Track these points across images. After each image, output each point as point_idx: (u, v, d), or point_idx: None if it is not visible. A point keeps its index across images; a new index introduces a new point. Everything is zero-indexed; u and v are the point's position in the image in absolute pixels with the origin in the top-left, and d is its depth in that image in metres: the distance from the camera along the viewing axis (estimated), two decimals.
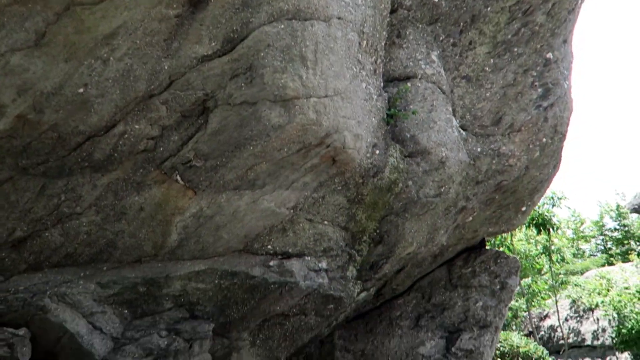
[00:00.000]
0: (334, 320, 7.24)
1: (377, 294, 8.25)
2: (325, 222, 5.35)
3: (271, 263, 5.19)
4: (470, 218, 7.15)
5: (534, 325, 13.46)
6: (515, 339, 10.32)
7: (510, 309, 14.44)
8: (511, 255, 8.25)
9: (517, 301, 14.39)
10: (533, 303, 14.72)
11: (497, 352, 10.45)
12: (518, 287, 13.23)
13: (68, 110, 3.52)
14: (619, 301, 10.17)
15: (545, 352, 10.49)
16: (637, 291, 10.32)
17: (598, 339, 11.81)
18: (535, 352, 10.20)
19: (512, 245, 13.00)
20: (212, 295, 5.04)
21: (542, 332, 13.49)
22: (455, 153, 5.49)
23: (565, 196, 12.16)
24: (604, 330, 11.69)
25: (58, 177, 3.87)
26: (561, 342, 12.60)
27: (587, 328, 12.34)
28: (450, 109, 5.48)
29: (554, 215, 12.04)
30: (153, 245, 4.54)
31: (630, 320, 9.97)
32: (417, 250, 6.62)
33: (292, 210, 4.96)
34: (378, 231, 5.83)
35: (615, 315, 10.29)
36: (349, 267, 6.04)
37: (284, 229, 5.09)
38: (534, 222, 12.37)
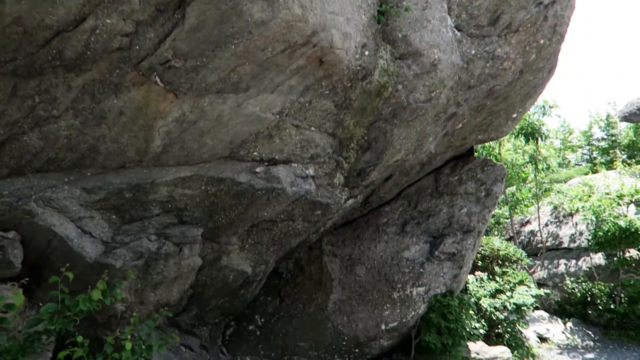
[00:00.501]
0: (321, 226, 7.43)
1: (365, 202, 8.40)
2: (312, 128, 5.24)
3: (258, 169, 5.16)
4: (460, 125, 7.08)
5: (515, 231, 14.04)
6: (496, 242, 10.80)
7: (494, 215, 14.99)
8: (498, 162, 8.30)
9: (500, 208, 14.91)
10: (516, 210, 15.25)
11: (479, 255, 10.98)
12: (502, 195, 13.63)
13: (31, 1, 3.24)
14: (599, 206, 10.51)
15: (524, 254, 11.03)
16: (617, 196, 10.63)
17: (575, 242, 12.39)
18: (514, 255, 10.75)
19: (500, 155, 13.13)
20: (200, 201, 5.06)
21: (523, 237, 14.10)
22: (449, 55, 5.26)
23: (556, 104, 12.07)
24: (581, 234, 12.23)
25: (29, 76, 3.66)
26: (539, 245, 13.21)
27: (565, 232, 12.89)
28: (446, 6, 5.15)
29: (543, 125, 12.01)
30: (136, 150, 4.45)
31: (607, 223, 10.38)
32: (405, 157, 6.61)
33: (277, 116, 4.83)
34: (366, 138, 5.76)
35: (594, 219, 10.69)
36: (336, 174, 6.05)
37: (270, 135, 5.00)
38: (523, 131, 12.39)
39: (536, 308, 12.71)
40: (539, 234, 13.45)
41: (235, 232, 5.74)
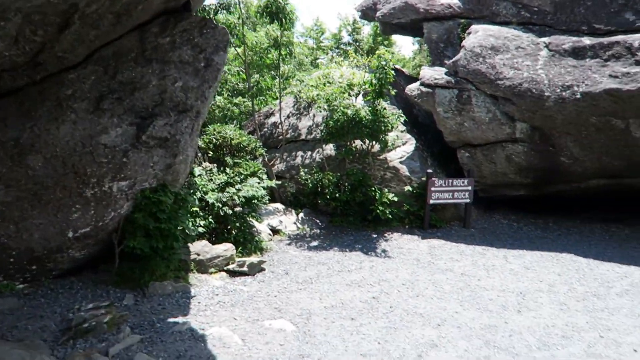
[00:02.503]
0: None
1: (35, 62, 5.82)
2: None
3: None
4: None
5: (257, 122, 13.27)
6: (229, 130, 9.64)
7: (236, 104, 13.95)
8: (219, 25, 6.68)
9: (244, 97, 13.87)
10: (260, 100, 14.53)
11: (211, 144, 9.72)
12: (247, 84, 12.54)
13: None
14: (332, 94, 10.23)
15: (259, 144, 10.28)
16: (347, 85, 10.53)
17: (311, 134, 12.31)
18: (249, 144, 9.86)
19: (244, 35, 11.73)
20: None
21: (266, 129, 13.49)
22: None
23: None
24: (317, 126, 12.13)
25: None
26: (280, 137, 12.74)
27: (304, 124, 12.73)
28: None
29: (288, 4, 10.89)
30: None
31: (337, 113, 10.23)
32: None
33: None
34: None
35: (326, 107, 10.46)
36: None
37: None
38: (268, 9, 11.10)
39: (273, 200, 12.51)
40: (280, 126, 12.97)
41: None
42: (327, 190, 11.23)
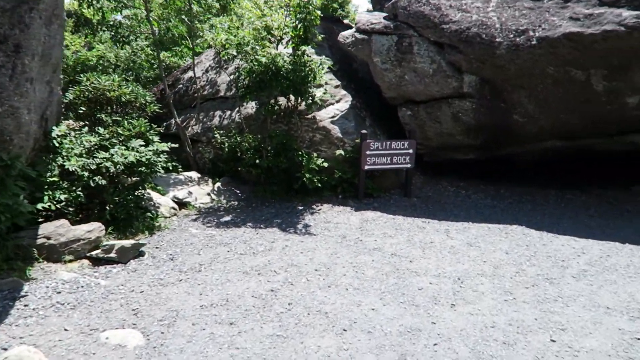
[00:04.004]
0: None
1: None
2: None
3: None
4: None
5: (174, 77, 11.26)
6: (106, 81, 7.64)
7: (137, 54, 11.80)
8: None
9: (153, 50, 11.71)
10: (176, 52, 12.46)
11: (82, 98, 7.72)
12: (156, 32, 10.44)
13: None
14: (243, 37, 8.36)
15: (150, 97, 8.36)
16: (264, 28, 8.66)
17: (231, 90, 10.43)
18: (136, 99, 7.92)
19: None
20: None
21: (181, 85, 11.50)
22: None
23: None
24: (237, 82, 10.15)
25: None
26: (196, 94, 10.79)
27: (224, 79, 10.86)
28: None
29: None
30: None
31: (251, 61, 8.39)
32: None
33: None
34: None
35: (235, 53, 8.60)
36: None
37: None
38: None
39: (188, 168, 10.70)
40: (197, 82, 11.02)
41: None
42: (245, 156, 9.50)
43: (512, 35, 8.39)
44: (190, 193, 9.31)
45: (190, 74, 11.59)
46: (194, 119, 10.82)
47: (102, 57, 12.00)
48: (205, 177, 10.33)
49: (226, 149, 9.74)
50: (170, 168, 10.39)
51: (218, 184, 9.96)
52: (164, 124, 11.10)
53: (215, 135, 9.90)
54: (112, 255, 6.02)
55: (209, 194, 9.60)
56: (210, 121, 10.61)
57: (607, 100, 8.46)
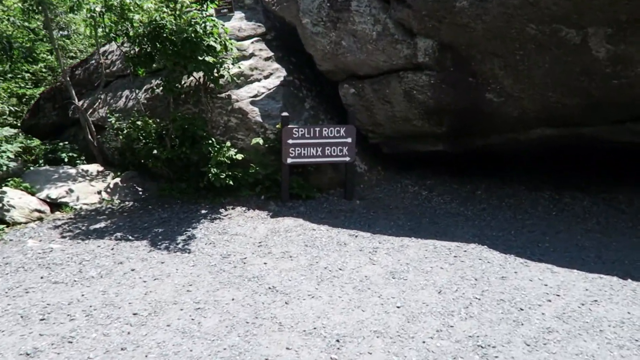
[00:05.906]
0: None
1: None
2: None
3: None
4: None
5: (58, 52, 9.35)
6: None
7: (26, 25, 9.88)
8: None
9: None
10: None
11: None
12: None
13: None
14: None
15: None
16: None
17: None
18: None
19: None
20: None
21: (94, 60, 9.57)
22: None
23: None
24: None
25: None
26: (107, 71, 8.84)
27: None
28: None
29: None
30: None
31: (128, 20, 6.37)
32: None
33: None
34: None
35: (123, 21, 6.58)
36: None
37: None
38: None
39: (93, 160, 8.83)
40: (111, 56, 9.08)
41: None
42: (141, 145, 7.52)
43: None
44: (70, 191, 7.40)
45: (107, 46, 9.64)
46: (100, 101, 8.90)
47: None
48: (107, 172, 8.42)
49: (122, 137, 7.78)
50: (66, 159, 8.54)
51: (116, 180, 8.02)
52: (72, 107, 9.23)
53: (110, 120, 7.94)
54: None
55: (99, 193, 7.68)
56: (116, 103, 8.66)
57: (612, 72, 6.06)
